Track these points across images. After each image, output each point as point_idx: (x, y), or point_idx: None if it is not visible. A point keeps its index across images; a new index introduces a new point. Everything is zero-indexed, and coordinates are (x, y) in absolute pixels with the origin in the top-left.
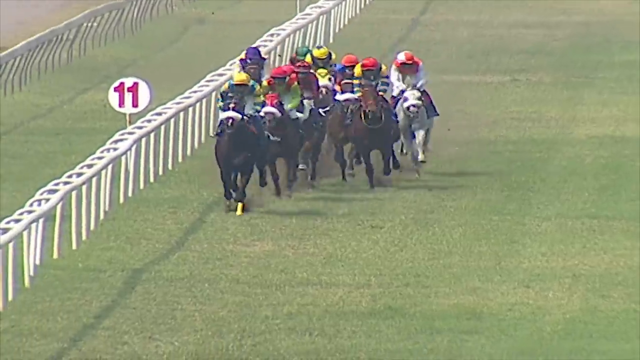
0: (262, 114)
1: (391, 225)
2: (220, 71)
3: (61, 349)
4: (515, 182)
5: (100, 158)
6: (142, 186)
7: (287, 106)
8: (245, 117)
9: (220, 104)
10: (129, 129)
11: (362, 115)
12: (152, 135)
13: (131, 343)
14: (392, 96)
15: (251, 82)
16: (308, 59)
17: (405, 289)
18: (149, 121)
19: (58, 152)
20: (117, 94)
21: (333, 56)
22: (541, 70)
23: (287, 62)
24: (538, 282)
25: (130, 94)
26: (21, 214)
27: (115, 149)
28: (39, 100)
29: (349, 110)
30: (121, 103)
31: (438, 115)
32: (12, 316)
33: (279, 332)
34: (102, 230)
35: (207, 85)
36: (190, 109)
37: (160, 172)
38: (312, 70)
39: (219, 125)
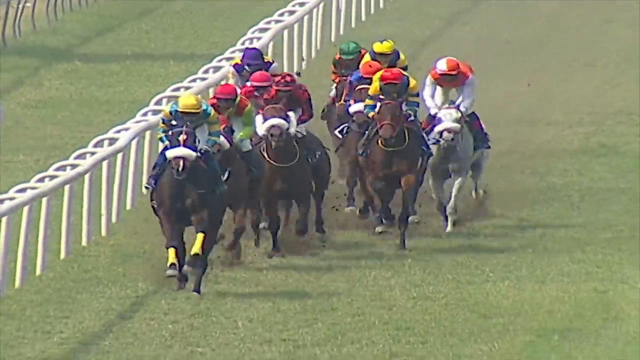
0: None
1: (604, 62)
2: None
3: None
4: None
5: None
6: (353, 25)
7: (237, 135)
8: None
9: (162, 135)
10: None
11: (378, 140)
12: None
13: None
14: (429, 115)
15: (204, 107)
16: (367, 58)
17: (618, 127)
18: None
19: None
20: None
21: (402, 57)
22: None
23: (331, 67)
24: None
25: None
26: (233, 52)
27: None
28: None
29: (365, 134)
30: None
31: (489, 148)
32: None
33: (491, 170)
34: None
35: None
36: None
37: (372, 10)
38: (297, 83)
39: (154, 168)
